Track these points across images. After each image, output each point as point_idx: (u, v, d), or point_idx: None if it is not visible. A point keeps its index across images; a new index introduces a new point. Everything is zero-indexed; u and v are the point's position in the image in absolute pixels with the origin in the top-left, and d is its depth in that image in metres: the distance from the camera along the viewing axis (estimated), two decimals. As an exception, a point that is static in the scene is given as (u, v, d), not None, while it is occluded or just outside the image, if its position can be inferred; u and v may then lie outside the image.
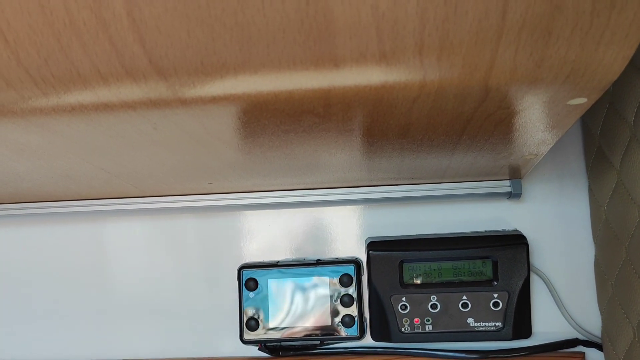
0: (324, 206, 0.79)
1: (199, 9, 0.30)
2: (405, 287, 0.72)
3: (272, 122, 0.43)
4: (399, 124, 0.45)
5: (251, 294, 0.78)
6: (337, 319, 0.76)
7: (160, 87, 0.36)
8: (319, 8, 0.30)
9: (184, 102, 0.38)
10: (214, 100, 0.38)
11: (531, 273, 0.74)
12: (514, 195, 0.71)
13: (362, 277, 0.77)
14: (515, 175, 0.69)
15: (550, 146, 0.54)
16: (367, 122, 0.44)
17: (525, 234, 0.75)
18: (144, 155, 0.52)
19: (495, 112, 0.43)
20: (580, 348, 0.75)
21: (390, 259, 0.72)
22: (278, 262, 0.78)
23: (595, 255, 0.72)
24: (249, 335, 0.77)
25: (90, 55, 0.33)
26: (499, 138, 0.50)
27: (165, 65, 0.34)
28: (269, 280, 0.77)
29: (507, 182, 0.71)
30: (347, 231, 0.79)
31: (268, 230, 0.81)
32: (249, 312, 0.78)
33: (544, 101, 0.40)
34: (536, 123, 0.46)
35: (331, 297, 0.76)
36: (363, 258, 0.77)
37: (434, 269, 0.72)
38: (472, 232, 0.75)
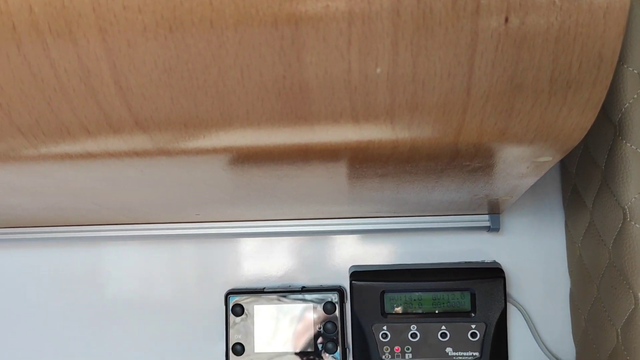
0: (311, 236, 0.81)
1: (182, 79, 0.32)
2: (386, 316, 0.74)
3: (253, 172, 0.45)
4: (377, 173, 0.47)
5: (237, 319, 0.79)
6: (321, 345, 0.78)
7: (145, 142, 0.38)
8: (295, 81, 0.32)
9: (168, 154, 0.40)
10: (197, 152, 0.40)
11: (508, 304, 0.76)
12: (492, 229, 0.73)
13: (346, 304, 0.79)
14: (494, 210, 0.71)
15: (525, 190, 0.57)
16: (345, 171, 0.46)
17: (503, 265, 0.77)
18: (132, 194, 0.54)
19: (468, 165, 0.45)
20: (556, 378, 0.77)
21: (372, 289, 0.74)
22: (264, 288, 0.80)
23: (570, 289, 0.74)
24: (234, 359, 0.79)
25: (80, 118, 0.35)
26: (474, 183, 0.52)
27: (151, 126, 0.36)
28: (255, 306, 0.79)
29: (487, 217, 0.73)
30: (333, 260, 0.81)
31: (258, 258, 0.83)
32: (235, 336, 0.79)
33: (513, 157, 0.42)
34: (508, 174, 0.48)
35: (315, 323, 0.78)
36: (348, 286, 0.79)
37: (415, 300, 0.74)
38: (452, 264, 0.77)
